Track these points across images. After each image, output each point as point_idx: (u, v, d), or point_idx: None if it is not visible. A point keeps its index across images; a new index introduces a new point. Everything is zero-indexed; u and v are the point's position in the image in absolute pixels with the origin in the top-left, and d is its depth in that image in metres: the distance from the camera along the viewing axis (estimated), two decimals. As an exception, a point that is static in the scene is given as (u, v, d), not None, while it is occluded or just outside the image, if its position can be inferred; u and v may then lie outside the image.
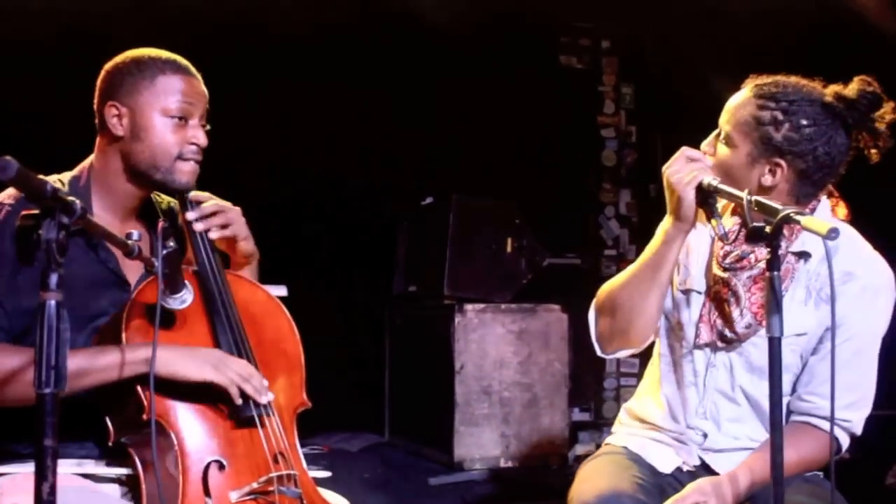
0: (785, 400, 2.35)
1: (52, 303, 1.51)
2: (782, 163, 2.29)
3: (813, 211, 2.37)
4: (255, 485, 2.07)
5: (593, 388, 5.46)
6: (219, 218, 2.31)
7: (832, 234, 1.82)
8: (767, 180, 2.30)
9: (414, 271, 5.35)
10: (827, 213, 2.41)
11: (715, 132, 2.39)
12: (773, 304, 1.98)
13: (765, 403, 2.30)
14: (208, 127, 2.29)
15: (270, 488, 2.08)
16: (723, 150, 2.35)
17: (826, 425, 2.30)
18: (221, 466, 2.09)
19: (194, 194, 2.31)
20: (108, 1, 4.46)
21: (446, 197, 5.08)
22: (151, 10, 4.58)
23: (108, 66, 2.28)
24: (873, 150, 2.32)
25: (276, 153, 5.25)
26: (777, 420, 1.99)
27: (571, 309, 4.91)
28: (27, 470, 2.12)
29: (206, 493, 2.05)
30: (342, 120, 5.23)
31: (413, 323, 5.28)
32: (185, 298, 2.12)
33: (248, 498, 2.07)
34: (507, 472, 4.72)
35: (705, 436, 2.44)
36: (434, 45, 5.31)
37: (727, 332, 2.37)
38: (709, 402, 2.44)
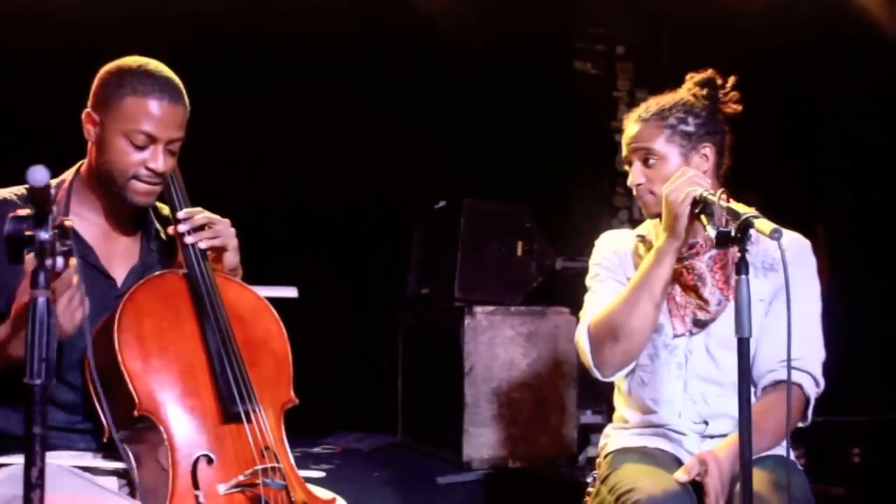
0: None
1: (42, 299, 1.58)
2: (707, 144, 2.58)
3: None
4: (241, 477, 2.14)
5: (605, 391, 5.49)
6: (208, 231, 2.35)
7: (775, 234, 2.06)
8: (703, 166, 2.57)
9: (426, 274, 5.42)
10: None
11: (633, 165, 2.61)
12: (744, 305, 2.08)
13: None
14: (177, 154, 2.31)
15: (256, 481, 2.14)
16: (655, 169, 2.57)
17: (782, 374, 2.49)
18: (210, 460, 2.16)
19: (186, 211, 2.36)
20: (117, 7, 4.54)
21: (459, 201, 5.16)
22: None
23: (101, 70, 2.31)
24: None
25: (290, 158, 5.34)
26: (745, 416, 2.07)
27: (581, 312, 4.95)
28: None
29: (196, 485, 2.12)
30: (357, 125, 5.31)
31: (425, 325, 5.35)
32: None
33: (235, 490, 2.14)
34: (515, 472, 4.77)
35: (706, 423, 2.57)
36: (449, 50, 5.38)
37: (700, 315, 2.56)
38: (694, 391, 2.58)
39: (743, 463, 2.06)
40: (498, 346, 4.85)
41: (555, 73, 5.83)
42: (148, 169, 2.25)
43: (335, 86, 5.26)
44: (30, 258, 1.59)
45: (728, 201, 2.30)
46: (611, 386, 5.43)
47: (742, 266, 2.08)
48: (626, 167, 2.65)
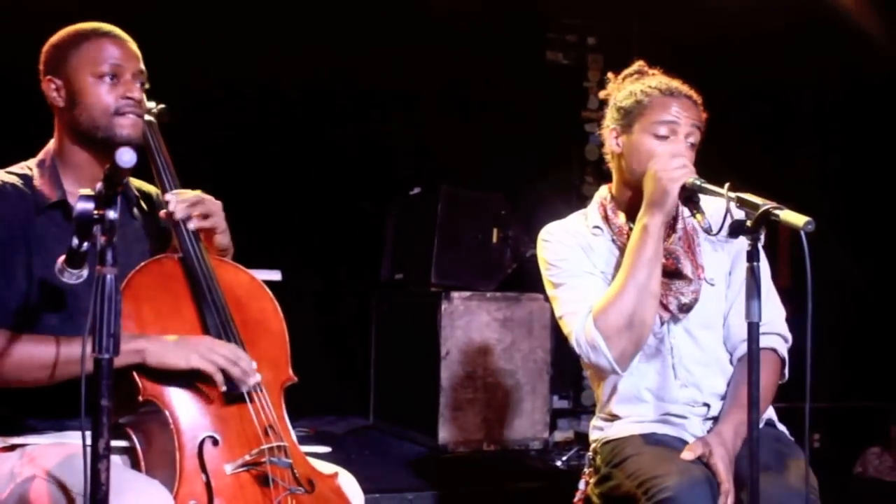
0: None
1: (110, 277, 1.65)
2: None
3: None
4: (247, 457, 2.17)
5: (573, 377, 5.59)
6: (199, 207, 2.38)
7: (808, 225, 2.02)
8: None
9: (401, 259, 5.47)
10: None
11: (689, 140, 2.56)
12: (754, 291, 2.12)
13: (722, 353, 2.63)
14: (147, 86, 2.38)
15: (262, 460, 2.18)
16: (691, 152, 2.57)
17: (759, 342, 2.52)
18: (215, 442, 2.18)
19: (176, 192, 2.39)
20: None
21: (434, 187, 5.20)
22: None
23: (46, 45, 2.39)
24: None
25: (266, 143, 5.35)
26: (755, 398, 2.13)
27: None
28: (46, 441, 2.25)
29: (202, 467, 2.14)
30: (333, 110, 5.33)
31: (400, 309, 5.39)
32: (81, 274, 2.10)
33: (241, 470, 2.17)
34: (489, 455, 4.85)
35: (707, 406, 2.60)
36: (424, 39, 5.42)
37: (684, 299, 2.57)
38: (683, 372, 2.61)
39: (751, 439, 2.11)
40: (474, 330, 4.91)
41: (527, 62, 5.89)
42: (126, 98, 2.31)
43: (310, 65, 5.25)
44: None
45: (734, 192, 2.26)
46: (580, 373, 5.46)
47: (754, 254, 2.11)
48: (649, 136, 2.56)
